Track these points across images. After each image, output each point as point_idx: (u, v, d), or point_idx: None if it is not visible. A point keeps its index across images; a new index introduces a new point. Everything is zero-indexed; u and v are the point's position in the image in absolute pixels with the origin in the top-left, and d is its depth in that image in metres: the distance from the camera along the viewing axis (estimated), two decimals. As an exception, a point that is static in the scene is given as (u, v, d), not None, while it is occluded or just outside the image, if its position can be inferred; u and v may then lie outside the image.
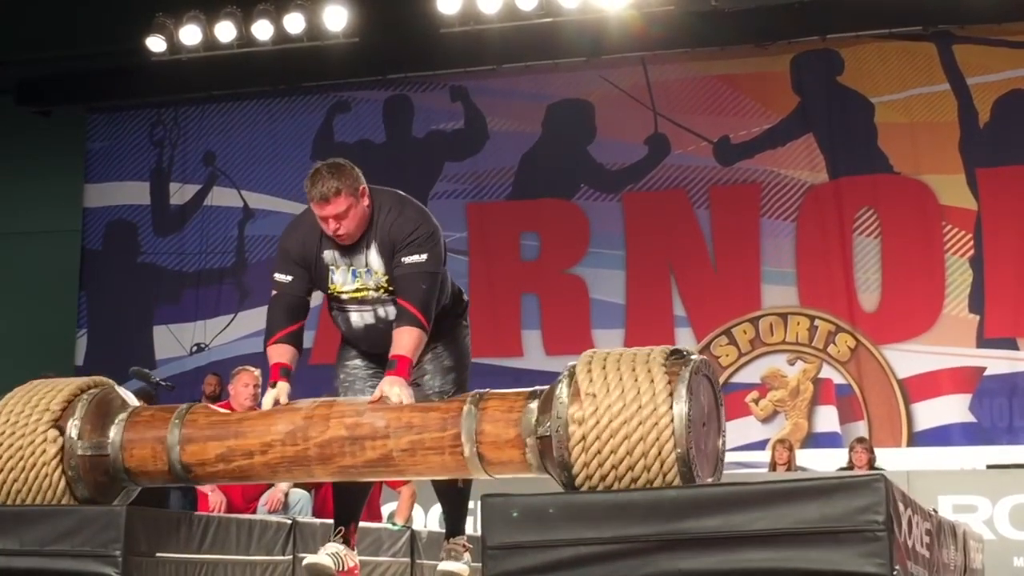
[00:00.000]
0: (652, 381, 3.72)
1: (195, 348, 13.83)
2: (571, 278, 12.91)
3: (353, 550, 4.60)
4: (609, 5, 11.96)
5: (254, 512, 6.90)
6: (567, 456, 3.74)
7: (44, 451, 4.14)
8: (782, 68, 12.78)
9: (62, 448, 4.14)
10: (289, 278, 4.42)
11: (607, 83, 13.17)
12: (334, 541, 4.54)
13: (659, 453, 3.67)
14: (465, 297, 4.65)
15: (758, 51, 12.81)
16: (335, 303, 4.46)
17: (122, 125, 14.64)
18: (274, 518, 5.47)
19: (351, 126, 13.94)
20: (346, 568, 4.49)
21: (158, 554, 4.09)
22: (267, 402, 4.28)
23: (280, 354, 4.38)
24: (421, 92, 13.74)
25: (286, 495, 7.14)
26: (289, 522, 5.15)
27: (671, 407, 3.67)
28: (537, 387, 4.05)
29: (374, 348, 4.47)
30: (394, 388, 4.12)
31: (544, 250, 13.06)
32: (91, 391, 4.29)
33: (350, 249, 4.37)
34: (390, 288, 4.34)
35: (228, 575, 4.51)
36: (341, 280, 4.40)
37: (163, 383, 9.97)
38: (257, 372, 7.46)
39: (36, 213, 14.71)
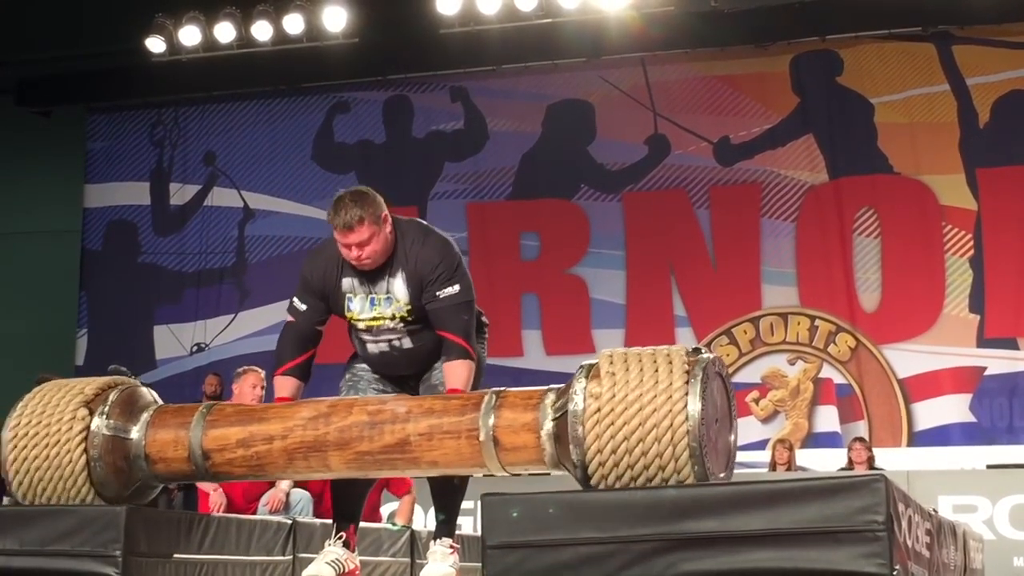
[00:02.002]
0: (671, 363, 3.78)
1: (195, 348, 13.84)
2: (571, 278, 12.92)
3: (353, 552, 4.59)
4: (609, 6, 11.97)
5: (255, 512, 6.90)
6: (581, 430, 3.76)
7: (71, 427, 4.18)
8: (782, 68, 12.78)
9: (88, 427, 4.19)
10: (304, 307, 4.47)
11: (607, 84, 13.18)
12: (333, 545, 4.53)
13: (671, 424, 3.69)
14: (485, 319, 4.67)
15: (758, 51, 12.81)
16: (352, 327, 4.51)
17: (122, 125, 14.64)
18: (274, 518, 5.47)
19: (351, 126, 13.95)
20: (347, 571, 4.49)
21: (158, 554, 4.10)
22: None
23: (286, 387, 4.45)
24: (421, 92, 13.75)
25: (287, 495, 7.14)
26: (289, 522, 5.15)
27: (687, 383, 3.72)
28: (556, 386, 4.08)
29: (387, 371, 4.55)
30: None
31: (544, 250, 13.07)
32: (124, 386, 4.37)
33: (371, 276, 4.39)
34: (408, 318, 4.38)
35: (228, 575, 4.51)
36: (359, 308, 4.43)
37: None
38: (263, 373, 7.46)
39: (36, 213, 14.71)
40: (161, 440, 4.26)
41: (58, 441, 4.18)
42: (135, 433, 4.26)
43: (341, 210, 4.28)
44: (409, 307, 4.38)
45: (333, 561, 4.45)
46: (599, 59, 12.89)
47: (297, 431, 4.14)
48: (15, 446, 4.22)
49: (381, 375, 4.57)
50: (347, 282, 4.43)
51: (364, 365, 4.57)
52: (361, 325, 4.44)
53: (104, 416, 4.21)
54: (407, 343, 4.44)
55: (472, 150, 13.47)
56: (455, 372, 4.32)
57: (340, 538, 4.55)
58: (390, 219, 4.36)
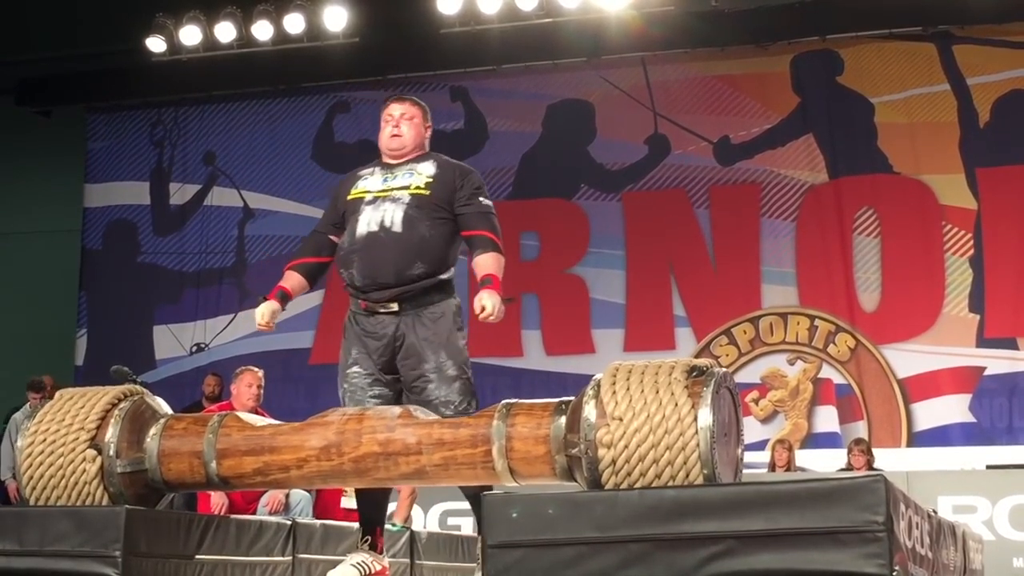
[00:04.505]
0: (676, 405, 3.76)
1: (195, 348, 13.83)
2: (571, 278, 12.91)
3: (381, 554, 4.64)
4: (609, 5, 11.97)
5: (254, 513, 6.90)
6: (598, 477, 3.80)
7: (85, 471, 4.20)
8: (782, 68, 12.77)
9: (102, 467, 4.21)
10: (323, 218, 4.79)
11: (607, 83, 13.17)
12: (360, 550, 4.59)
13: (687, 476, 3.73)
14: (457, 299, 4.62)
15: (758, 51, 12.80)
16: (349, 215, 4.61)
17: (122, 125, 14.64)
18: (274, 519, 5.47)
19: (351, 126, 13.94)
20: (373, 572, 4.54)
21: (158, 554, 4.09)
22: (257, 315, 4.65)
23: (288, 278, 4.76)
24: (421, 92, 13.70)
25: (287, 496, 7.13)
26: (289, 523, 5.15)
27: (696, 432, 3.72)
28: (561, 400, 4.09)
29: (364, 270, 4.50)
30: (493, 299, 4.39)
31: (544, 250, 13.06)
32: (122, 405, 4.33)
33: (395, 167, 4.66)
34: (424, 192, 4.55)
35: (228, 575, 4.51)
36: (369, 184, 4.64)
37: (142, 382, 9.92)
38: (260, 373, 7.47)
39: (36, 213, 14.71)
40: (177, 469, 4.31)
41: (76, 483, 4.21)
42: (148, 462, 4.29)
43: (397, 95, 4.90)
44: (430, 180, 4.57)
45: (359, 563, 4.50)
46: (599, 59, 12.88)
47: (312, 462, 4.19)
48: (33, 487, 4.24)
49: (367, 368, 4.51)
50: (368, 170, 4.72)
51: (356, 369, 4.53)
52: (368, 197, 4.57)
53: (114, 455, 4.22)
54: (398, 225, 4.48)
55: (472, 150, 13.44)
56: (487, 262, 4.50)
57: (366, 542, 4.60)
58: (430, 133, 4.84)
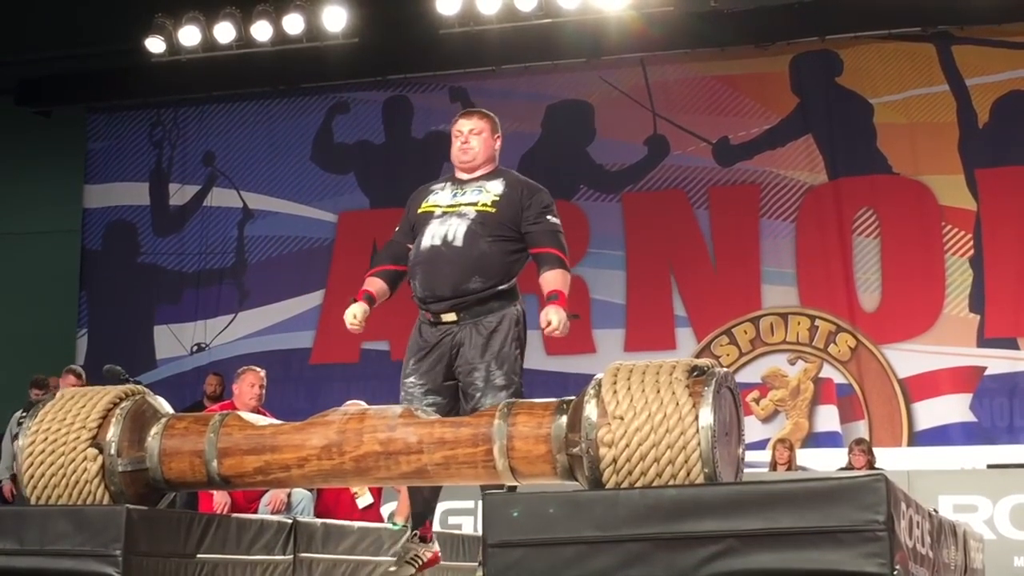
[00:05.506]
0: (677, 404, 3.77)
1: (195, 348, 13.83)
2: (571, 278, 12.88)
3: (432, 542, 4.78)
4: (608, 6, 11.97)
5: (256, 512, 6.90)
6: (599, 476, 3.80)
7: (86, 470, 4.21)
8: (781, 69, 12.78)
9: (103, 466, 4.22)
10: (398, 228, 4.92)
11: (606, 84, 13.17)
12: (411, 543, 4.73)
13: (688, 475, 3.74)
14: (518, 307, 4.81)
15: (758, 52, 12.81)
16: (418, 227, 4.74)
17: (122, 125, 14.64)
18: (275, 518, 5.47)
19: (350, 127, 13.94)
20: (426, 560, 4.70)
21: (158, 554, 4.09)
22: (347, 316, 4.71)
23: (371, 283, 4.86)
24: (420, 93, 13.74)
25: (289, 495, 7.13)
26: (290, 522, 5.15)
27: (697, 431, 3.73)
28: (563, 400, 4.10)
29: (424, 282, 4.66)
30: (559, 314, 4.63)
31: (544, 250, 13.02)
32: (123, 404, 4.34)
33: (466, 184, 4.80)
34: (490, 210, 4.67)
35: (228, 575, 4.51)
36: (439, 199, 4.78)
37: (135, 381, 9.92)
38: (262, 372, 7.46)
39: (36, 213, 14.71)
40: (178, 468, 4.32)
41: (77, 482, 4.21)
42: (149, 461, 4.30)
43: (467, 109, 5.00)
44: (497, 199, 4.69)
45: (413, 557, 4.66)
46: (599, 59, 12.88)
47: (312, 461, 4.21)
48: (34, 486, 4.24)
49: (423, 379, 4.62)
50: (440, 184, 4.91)
51: (412, 379, 4.67)
52: (437, 212, 4.71)
53: (115, 453, 4.22)
54: (459, 240, 4.62)
55: (472, 150, 13.43)
56: (554, 278, 4.72)
57: (415, 536, 4.74)
58: (500, 144, 4.91)
